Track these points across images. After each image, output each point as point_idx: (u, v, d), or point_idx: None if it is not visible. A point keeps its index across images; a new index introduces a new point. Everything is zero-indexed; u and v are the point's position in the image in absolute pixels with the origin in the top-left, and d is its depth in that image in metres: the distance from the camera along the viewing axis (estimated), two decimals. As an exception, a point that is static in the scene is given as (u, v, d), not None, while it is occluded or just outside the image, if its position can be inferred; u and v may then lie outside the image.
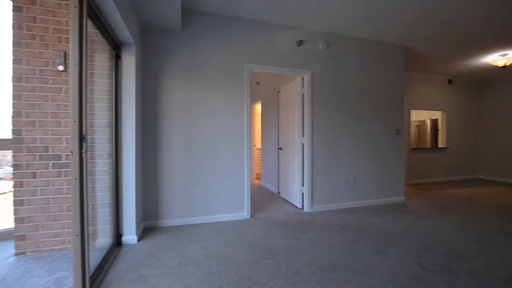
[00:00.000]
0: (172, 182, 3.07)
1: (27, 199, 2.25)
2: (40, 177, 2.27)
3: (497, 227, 3.01)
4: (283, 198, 4.43)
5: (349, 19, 3.36)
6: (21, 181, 2.23)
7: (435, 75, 6.23)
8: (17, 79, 2.21)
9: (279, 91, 4.75)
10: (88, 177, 1.63)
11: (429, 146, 7.34)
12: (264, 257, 2.25)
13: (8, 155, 2.55)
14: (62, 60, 2.29)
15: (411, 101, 5.94)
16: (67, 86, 2.31)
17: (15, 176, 2.22)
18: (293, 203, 4.00)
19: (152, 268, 2.06)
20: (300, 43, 3.53)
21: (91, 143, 2.28)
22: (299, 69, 3.59)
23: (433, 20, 3.38)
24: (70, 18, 1.51)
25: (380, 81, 4.09)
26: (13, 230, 2.26)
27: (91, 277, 1.68)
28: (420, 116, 7.82)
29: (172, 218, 3.08)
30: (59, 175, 2.32)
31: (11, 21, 2.19)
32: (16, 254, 2.24)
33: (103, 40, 2.19)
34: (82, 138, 1.54)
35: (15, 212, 2.23)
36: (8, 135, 2.25)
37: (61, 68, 2.29)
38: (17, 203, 2.23)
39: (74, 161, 1.51)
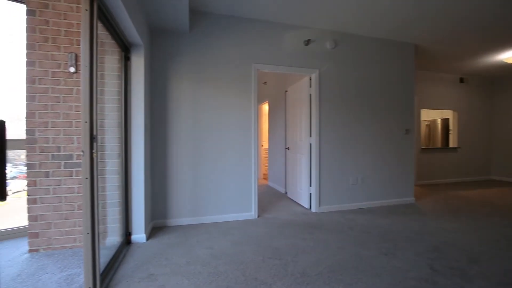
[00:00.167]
0: (180, 182, 3.10)
1: (40, 197, 2.31)
2: (53, 176, 2.33)
3: (511, 230, 2.93)
4: (290, 198, 4.42)
5: (358, 18, 3.32)
6: (34, 180, 2.29)
7: (446, 74, 6.10)
8: (30, 80, 2.28)
9: (286, 91, 4.73)
10: (99, 176, 1.66)
11: (439, 146, 7.19)
12: (271, 257, 2.24)
13: (22, 154, 2.62)
14: (74, 62, 2.35)
15: (421, 101, 5.84)
16: (78, 87, 2.36)
17: (28, 175, 2.28)
18: (301, 203, 3.99)
19: (160, 266, 2.09)
20: (307, 42, 3.51)
21: (101, 143, 2.33)
22: (307, 68, 3.58)
23: (444, 17, 3.31)
24: (81, 20, 1.54)
25: (389, 80, 4.03)
26: (26, 227, 2.33)
27: (101, 275, 1.71)
28: (430, 115, 7.66)
29: (180, 217, 3.11)
30: (71, 174, 2.37)
31: (25, 25, 2.26)
32: (29, 251, 2.30)
33: (113, 41, 2.23)
34: (92, 138, 1.57)
35: (29, 210, 2.29)
36: (22, 135, 2.32)
37: (72, 69, 2.35)
38: (30, 201, 2.29)
39: (85, 161, 1.54)
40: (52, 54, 2.31)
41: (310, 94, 3.70)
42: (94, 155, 1.59)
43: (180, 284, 1.83)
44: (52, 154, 2.33)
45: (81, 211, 2.35)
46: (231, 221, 3.24)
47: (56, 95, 2.33)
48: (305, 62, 3.56)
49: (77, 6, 2.35)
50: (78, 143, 2.38)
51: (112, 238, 2.40)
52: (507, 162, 6.30)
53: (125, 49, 2.46)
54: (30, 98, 2.28)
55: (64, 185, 2.36)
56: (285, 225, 3.10)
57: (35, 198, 2.30)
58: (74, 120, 2.37)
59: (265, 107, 6.89)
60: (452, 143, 6.45)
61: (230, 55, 3.26)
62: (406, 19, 3.36)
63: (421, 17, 3.30)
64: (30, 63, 2.27)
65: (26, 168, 2.29)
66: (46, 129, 2.31)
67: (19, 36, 2.33)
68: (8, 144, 1.89)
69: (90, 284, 1.58)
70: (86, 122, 1.54)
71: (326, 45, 3.63)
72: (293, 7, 3.06)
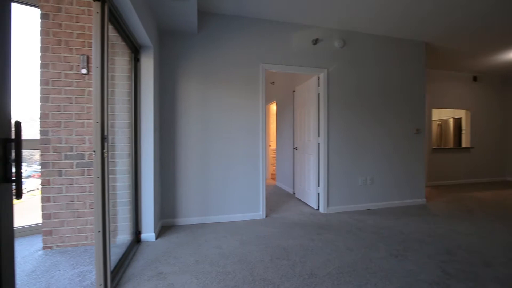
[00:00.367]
0: (189, 182, 3.13)
1: (53, 196, 2.37)
2: (65, 176, 2.39)
3: (527, 233, 2.84)
4: (298, 199, 4.40)
5: (367, 16, 3.28)
6: (48, 179, 2.36)
7: (458, 72, 5.95)
8: (44, 82, 2.34)
9: (294, 91, 4.71)
10: (109, 176, 1.69)
11: (452, 146, 7.01)
12: (279, 257, 2.24)
13: (36, 154, 2.70)
14: (85, 63, 2.40)
15: (432, 100, 5.71)
16: (89, 89, 2.42)
17: (42, 174, 2.35)
18: (309, 204, 3.96)
19: (169, 265, 2.11)
20: (315, 41, 3.49)
21: (112, 143, 2.37)
22: (315, 68, 3.55)
23: (456, 13, 3.23)
24: (92, 23, 1.57)
25: (399, 79, 3.97)
26: (40, 225, 2.39)
27: (112, 272, 1.75)
28: (442, 115, 7.49)
29: (188, 216, 3.13)
30: (83, 173, 2.43)
31: (39, 28, 2.32)
32: (43, 248, 2.37)
33: (123, 43, 2.27)
34: (103, 138, 1.60)
35: (43, 208, 2.36)
36: (36, 135, 2.38)
37: (84, 71, 2.40)
38: (44, 199, 2.36)
39: (96, 160, 1.57)
40: (64, 56, 2.37)
41: (319, 94, 3.67)
42: (105, 155, 1.62)
43: (188, 283, 1.85)
44: (65, 154, 2.39)
45: (92, 209, 2.40)
46: (239, 220, 3.25)
47: (68, 96, 2.38)
48: (313, 61, 3.54)
49: (88, 9, 2.41)
50: (90, 143, 2.43)
51: (122, 236, 2.45)
52: (523, 162, 6.10)
53: (135, 51, 2.50)
54: (44, 99, 2.34)
55: (76, 184, 2.41)
56: (293, 225, 3.08)
57: (49, 197, 2.36)
58: (85, 121, 2.42)
59: (273, 107, 6.88)
60: (465, 143, 6.29)
61: (238, 55, 3.26)
62: (416, 16, 3.29)
63: (432, 14, 3.23)
64: (44, 65, 2.34)
65: (40, 167, 2.35)
66: (59, 130, 2.37)
67: (33, 39, 2.40)
68: (24, 144, 1.94)
69: (102, 282, 1.61)
70: (97, 122, 1.57)
71: (335, 44, 3.60)
72: (301, 6, 3.04)
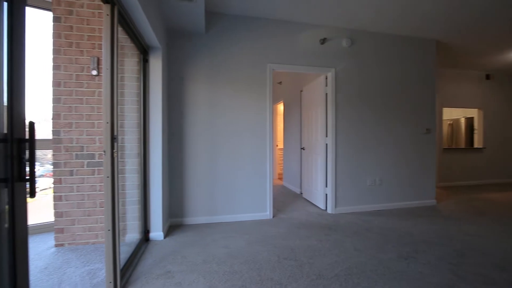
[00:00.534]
0: (196, 181, 3.16)
1: (65, 195, 2.42)
2: (76, 175, 2.44)
3: (543, 235, 2.75)
4: (305, 199, 4.37)
5: (375, 14, 3.24)
6: (60, 178, 2.41)
7: (470, 71, 5.81)
8: (56, 83, 2.40)
9: (301, 91, 4.69)
10: (119, 175, 1.72)
11: (463, 147, 6.86)
12: (286, 258, 2.23)
13: (49, 154, 2.76)
14: (96, 65, 2.44)
15: (443, 99, 5.59)
16: (100, 90, 2.46)
17: (54, 174, 2.41)
18: (316, 204, 3.94)
19: (177, 264, 2.13)
20: (323, 41, 3.46)
21: (122, 143, 2.41)
22: (322, 67, 3.53)
23: (468, 10, 3.15)
24: (102, 25, 1.60)
25: (409, 78, 3.90)
26: (53, 223, 2.45)
27: (121, 270, 1.77)
28: (453, 114, 7.32)
29: (196, 216, 3.16)
30: (93, 173, 2.47)
31: (51, 31, 2.38)
32: (55, 245, 2.43)
33: (132, 45, 2.30)
34: (113, 138, 1.63)
35: (55, 206, 2.41)
36: (49, 135, 2.44)
37: (94, 72, 2.45)
38: (56, 198, 2.41)
39: (106, 160, 1.60)
40: (76, 58, 2.42)
41: (326, 94, 3.64)
42: (115, 154, 1.65)
43: (196, 282, 1.87)
44: (76, 154, 2.44)
45: (102, 208, 2.45)
46: (246, 220, 3.26)
47: (79, 97, 2.43)
48: (321, 61, 3.52)
49: (99, 12, 2.45)
50: (100, 143, 2.47)
51: (131, 235, 2.48)
52: (539, 163, 5.91)
53: (144, 52, 2.54)
54: (56, 100, 2.40)
55: (87, 183, 2.46)
56: (301, 225, 3.07)
57: (61, 195, 2.42)
58: (96, 121, 2.47)
59: (280, 107, 6.87)
60: (477, 143, 6.14)
61: (246, 55, 3.27)
62: (426, 14, 3.23)
63: (442, 11, 3.16)
64: (56, 67, 2.39)
65: (52, 166, 2.41)
66: (70, 130, 2.43)
67: (46, 42, 2.46)
68: (37, 144, 2.00)
69: (111, 279, 1.64)
70: (107, 123, 1.60)
71: (343, 43, 3.57)
72: (309, 6, 3.02)
